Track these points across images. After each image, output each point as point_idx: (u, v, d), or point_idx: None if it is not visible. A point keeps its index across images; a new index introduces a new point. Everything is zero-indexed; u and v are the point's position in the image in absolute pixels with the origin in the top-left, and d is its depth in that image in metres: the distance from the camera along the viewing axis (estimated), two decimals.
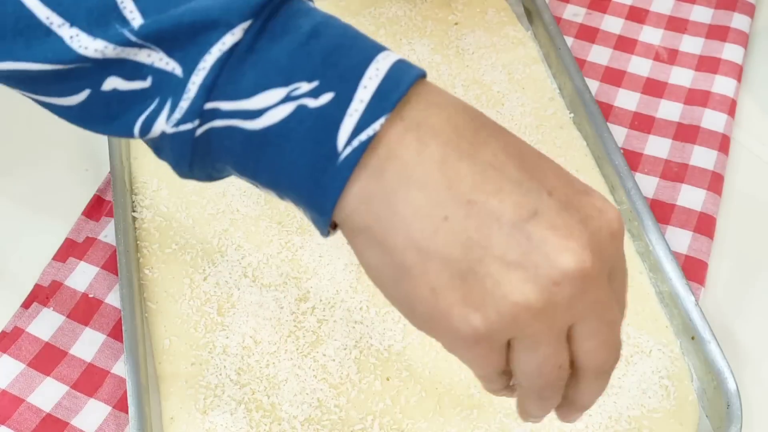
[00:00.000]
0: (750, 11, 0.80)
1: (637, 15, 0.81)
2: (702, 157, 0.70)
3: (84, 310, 0.62)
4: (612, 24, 0.80)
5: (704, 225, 0.67)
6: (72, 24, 0.35)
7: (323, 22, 0.35)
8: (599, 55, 0.78)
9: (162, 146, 0.38)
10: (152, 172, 0.67)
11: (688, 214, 0.67)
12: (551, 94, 0.73)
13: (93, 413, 0.58)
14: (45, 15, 0.35)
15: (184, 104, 0.35)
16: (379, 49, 0.35)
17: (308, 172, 0.34)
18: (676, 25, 0.80)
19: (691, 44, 0.78)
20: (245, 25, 0.34)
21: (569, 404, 0.39)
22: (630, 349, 0.59)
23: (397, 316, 0.60)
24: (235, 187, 0.67)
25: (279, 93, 0.34)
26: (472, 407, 0.57)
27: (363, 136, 0.34)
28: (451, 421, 0.56)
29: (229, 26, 0.34)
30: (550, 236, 0.33)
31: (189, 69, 0.35)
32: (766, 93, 0.77)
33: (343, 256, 0.63)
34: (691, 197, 0.68)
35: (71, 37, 0.35)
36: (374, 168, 0.34)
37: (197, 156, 0.37)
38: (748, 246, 0.67)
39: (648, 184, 0.69)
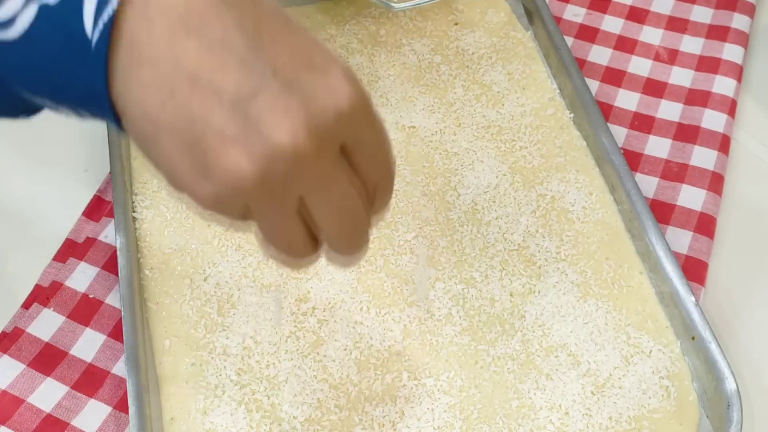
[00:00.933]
0: (750, 11, 0.80)
1: (637, 15, 0.81)
2: (702, 157, 0.70)
3: (84, 311, 0.62)
4: (612, 24, 0.80)
5: (704, 225, 0.67)
6: None
7: None
8: (599, 55, 0.78)
9: None
10: (152, 173, 0.67)
11: (688, 214, 0.67)
12: (551, 95, 0.73)
13: (93, 414, 0.58)
14: None
15: None
16: None
17: (71, 66, 0.36)
18: (676, 25, 0.80)
19: (692, 44, 0.78)
20: None
21: (330, 256, 0.42)
22: (630, 349, 0.59)
23: (398, 317, 0.60)
24: None
25: None
26: (472, 407, 0.57)
27: (105, 17, 0.35)
28: (452, 422, 0.56)
29: None
30: (266, 115, 0.34)
31: None
32: (766, 93, 0.77)
33: None
34: (691, 197, 0.68)
35: None
36: (121, 55, 0.35)
37: None
38: (748, 246, 0.67)
39: (648, 185, 0.69)
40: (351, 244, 0.41)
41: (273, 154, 0.34)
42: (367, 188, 0.40)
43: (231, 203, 0.36)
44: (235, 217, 0.38)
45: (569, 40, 0.78)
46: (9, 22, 0.36)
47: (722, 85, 0.75)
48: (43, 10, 0.35)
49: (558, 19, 0.80)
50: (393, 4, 0.68)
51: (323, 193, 0.37)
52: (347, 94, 0.36)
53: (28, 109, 0.41)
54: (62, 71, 0.36)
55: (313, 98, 0.35)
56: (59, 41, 0.36)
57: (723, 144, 0.71)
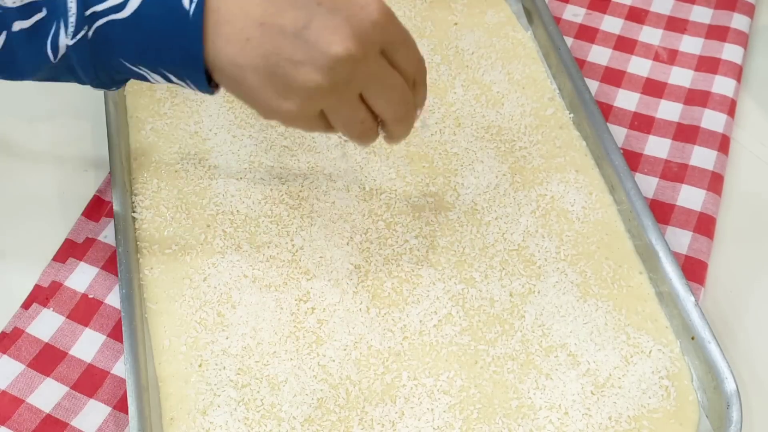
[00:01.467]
0: (750, 11, 0.80)
1: (637, 15, 0.81)
2: (702, 157, 0.70)
3: (84, 311, 0.62)
4: (612, 24, 0.80)
5: (704, 225, 0.67)
6: None
7: None
8: (599, 55, 0.78)
9: (71, 63, 0.49)
10: (152, 173, 0.67)
11: (687, 214, 0.67)
12: (551, 95, 0.73)
13: (93, 414, 0.58)
14: None
15: (71, 18, 0.47)
16: None
17: (174, 35, 0.46)
18: (675, 25, 0.80)
19: (691, 44, 0.78)
20: None
21: (390, 138, 0.54)
22: (630, 349, 0.59)
23: (398, 317, 0.60)
24: (235, 188, 0.67)
25: None
26: (471, 407, 0.57)
27: None
28: (451, 422, 0.56)
29: None
30: (320, 36, 0.45)
31: None
32: (766, 93, 0.77)
33: (343, 257, 0.63)
34: (690, 197, 0.68)
35: None
36: (209, 21, 0.46)
37: (95, 56, 0.48)
38: (748, 246, 0.67)
39: (648, 185, 0.69)
40: (405, 124, 0.53)
41: (334, 63, 0.46)
42: (407, 80, 0.50)
43: (310, 111, 0.48)
44: (315, 123, 0.50)
45: (569, 41, 0.78)
46: (121, 5, 0.46)
47: (722, 85, 0.75)
48: None
49: (558, 20, 0.80)
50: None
51: (377, 85, 0.49)
52: (376, 8, 0.47)
53: (121, 81, 0.51)
54: (165, 40, 0.47)
55: (351, 16, 0.46)
56: (163, 16, 0.46)
57: (722, 144, 0.71)
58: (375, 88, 0.49)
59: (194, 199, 0.66)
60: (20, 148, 0.72)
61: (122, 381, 0.58)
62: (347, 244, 0.64)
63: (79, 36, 0.47)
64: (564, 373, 0.58)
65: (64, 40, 0.47)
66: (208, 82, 0.49)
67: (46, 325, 0.61)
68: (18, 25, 0.47)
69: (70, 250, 0.65)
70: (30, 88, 0.75)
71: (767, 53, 0.80)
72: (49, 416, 0.57)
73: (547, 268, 0.63)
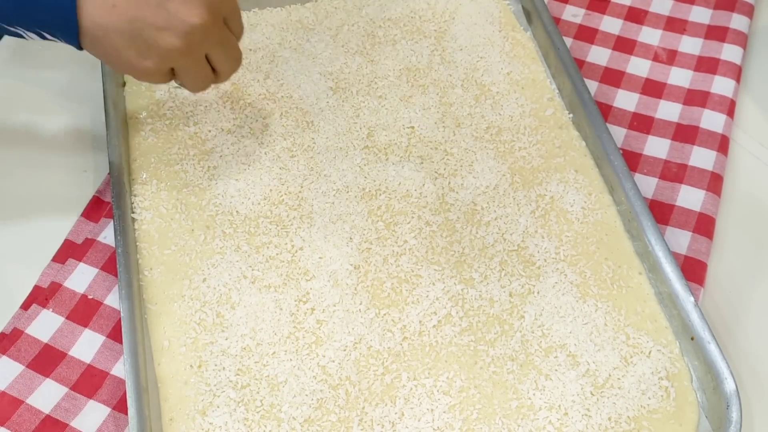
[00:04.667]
0: (749, 12, 0.80)
1: (636, 16, 0.81)
2: (701, 157, 0.70)
3: (83, 312, 0.62)
4: (611, 25, 0.80)
5: (703, 225, 0.67)
6: None
7: None
8: (598, 55, 0.78)
9: None
10: (151, 174, 0.67)
11: (687, 214, 0.67)
12: (550, 95, 0.73)
13: (92, 414, 0.58)
14: None
15: None
16: None
17: (50, 3, 0.52)
18: (675, 25, 0.80)
19: (690, 45, 0.78)
20: None
21: (218, 82, 0.62)
22: (629, 349, 0.59)
23: (397, 318, 0.60)
24: (234, 189, 0.67)
25: None
26: (471, 408, 0.57)
27: None
28: (451, 422, 0.56)
29: None
30: (180, 7, 0.54)
31: None
32: (765, 93, 0.77)
33: (342, 257, 0.63)
34: (690, 198, 0.68)
35: None
36: None
37: None
38: (748, 246, 0.67)
39: (647, 185, 0.69)
40: (234, 73, 0.62)
41: (191, 29, 0.55)
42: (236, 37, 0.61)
43: (164, 68, 0.57)
44: (163, 77, 0.58)
45: (568, 41, 0.78)
46: None
47: (721, 85, 0.75)
48: None
49: (557, 20, 0.80)
50: None
51: (221, 47, 0.59)
52: None
53: None
54: (42, 8, 0.53)
55: None
56: None
57: (722, 144, 0.71)
58: (219, 50, 0.59)
59: (193, 200, 0.66)
60: (20, 148, 0.72)
61: (122, 382, 0.58)
62: (347, 244, 0.64)
63: None
64: (563, 374, 0.58)
65: None
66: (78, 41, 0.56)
67: (45, 325, 0.61)
68: None
69: (70, 251, 0.65)
70: (30, 89, 0.76)
71: (766, 53, 0.80)
72: (48, 417, 0.57)
73: (547, 268, 0.63)
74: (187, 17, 0.55)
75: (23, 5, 0.53)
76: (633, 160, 0.70)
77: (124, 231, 0.63)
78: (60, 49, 0.77)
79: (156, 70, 0.57)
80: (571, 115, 0.72)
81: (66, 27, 0.54)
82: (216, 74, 0.61)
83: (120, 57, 0.56)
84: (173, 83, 0.63)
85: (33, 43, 0.78)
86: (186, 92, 0.72)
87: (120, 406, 0.58)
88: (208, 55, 0.59)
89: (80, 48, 0.56)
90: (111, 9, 0.54)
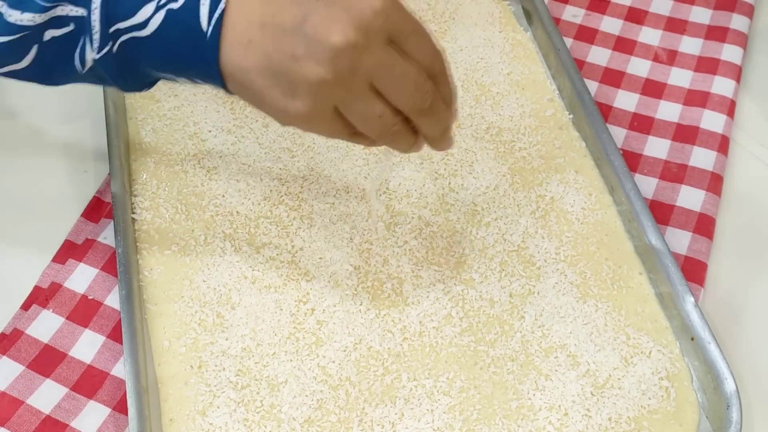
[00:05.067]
0: (749, 12, 0.80)
1: (636, 16, 0.81)
2: (701, 157, 0.70)
3: (83, 312, 0.62)
4: (611, 25, 0.80)
5: (704, 226, 0.67)
6: (3, 2, 0.48)
7: None
8: (598, 56, 0.78)
9: (101, 73, 0.50)
10: (151, 174, 0.67)
11: (687, 214, 0.67)
12: (550, 95, 0.73)
13: (92, 415, 0.58)
14: None
15: (96, 35, 0.48)
16: None
17: (191, 51, 0.47)
18: (675, 26, 0.80)
19: (690, 45, 0.78)
20: None
21: (426, 140, 0.52)
22: (630, 350, 0.59)
23: (397, 318, 0.60)
24: (234, 189, 0.67)
25: (151, 6, 0.47)
26: (471, 408, 0.57)
27: (216, 13, 0.46)
28: (451, 423, 0.56)
29: None
30: (318, 28, 0.45)
31: (88, 9, 0.48)
32: (765, 94, 0.77)
33: (342, 258, 0.63)
34: (690, 198, 0.68)
35: (8, 14, 0.48)
36: (222, 35, 0.47)
37: (122, 68, 0.50)
38: (748, 247, 0.67)
39: (647, 185, 0.69)
40: (433, 119, 0.50)
41: (334, 53, 0.45)
42: (424, 69, 0.48)
43: (321, 108, 0.47)
44: (333, 123, 0.48)
45: (568, 41, 0.78)
46: (143, 24, 0.47)
47: (721, 85, 0.75)
48: (170, 14, 0.47)
49: (557, 20, 0.80)
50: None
51: (387, 74, 0.47)
52: None
53: (151, 83, 0.52)
54: (185, 57, 0.48)
55: (350, 6, 0.45)
56: (182, 36, 0.47)
57: (722, 144, 0.71)
58: (385, 77, 0.47)
59: (194, 200, 0.66)
60: (19, 149, 0.72)
61: (122, 382, 0.58)
62: (347, 245, 0.64)
63: (104, 51, 0.49)
64: (564, 374, 0.58)
65: (91, 54, 0.49)
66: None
67: (45, 326, 0.61)
68: (49, 34, 0.49)
69: (70, 251, 0.65)
70: (29, 89, 0.76)
71: (766, 54, 0.80)
72: (48, 417, 0.57)
73: (547, 268, 0.63)
74: (327, 38, 0.44)
75: (170, 61, 0.49)
76: (633, 161, 0.70)
77: (124, 231, 0.63)
78: None
79: (313, 112, 0.47)
80: (571, 116, 0.72)
81: (210, 77, 0.49)
82: (399, 113, 0.49)
83: (269, 101, 0.47)
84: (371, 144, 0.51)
85: None
86: (187, 92, 0.72)
87: (120, 407, 0.58)
88: (375, 86, 0.47)
89: (227, 91, 0.50)
90: (247, 46, 0.46)
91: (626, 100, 0.75)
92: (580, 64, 0.77)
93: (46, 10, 0.48)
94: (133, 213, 0.65)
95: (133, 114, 0.71)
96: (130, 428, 0.54)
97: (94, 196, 0.68)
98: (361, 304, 0.61)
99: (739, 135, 0.74)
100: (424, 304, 0.61)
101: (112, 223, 0.65)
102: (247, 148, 0.69)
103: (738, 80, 0.76)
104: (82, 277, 0.63)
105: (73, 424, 0.57)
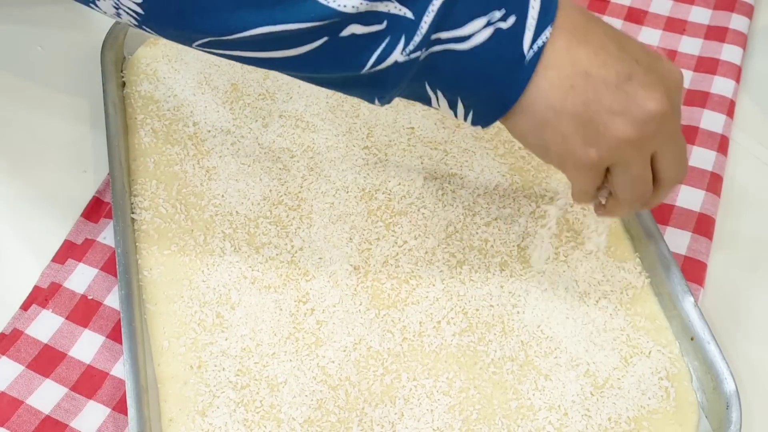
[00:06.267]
0: (748, 12, 0.80)
1: (636, 16, 0.81)
2: (701, 157, 0.70)
3: (83, 312, 0.62)
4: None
5: (703, 226, 0.67)
6: None
7: None
8: None
9: (385, 74, 0.48)
10: (151, 174, 0.67)
11: (687, 214, 0.67)
12: None
13: (92, 415, 0.58)
14: None
15: (417, 38, 0.46)
16: None
17: (504, 73, 0.47)
18: (674, 26, 0.80)
19: (690, 45, 0.78)
20: None
21: (643, 206, 0.55)
22: (629, 350, 0.59)
23: (397, 318, 0.60)
24: (234, 189, 0.67)
25: (482, 21, 0.46)
26: (471, 408, 0.57)
27: (539, 42, 0.47)
28: (451, 423, 0.56)
29: None
30: (641, 91, 0.47)
31: (420, 12, 0.46)
32: (765, 94, 0.77)
33: (342, 258, 0.63)
34: (690, 198, 0.68)
35: None
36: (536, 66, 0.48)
37: (413, 77, 0.48)
38: (748, 246, 0.67)
39: None
40: (667, 195, 0.54)
41: (649, 117, 0.47)
42: None
43: (607, 162, 0.50)
44: (598, 176, 0.51)
45: None
46: (465, 38, 0.47)
47: (721, 85, 0.75)
48: (498, 32, 0.46)
49: None
50: None
51: (672, 145, 0.51)
52: (679, 72, 0.50)
53: (392, 98, 0.51)
54: (489, 78, 0.48)
55: (664, 76, 0.49)
56: (499, 56, 0.47)
57: (722, 144, 0.71)
58: (670, 150, 0.51)
59: (193, 200, 0.66)
60: (19, 148, 0.72)
61: (121, 382, 0.58)
62: (346, 245, 0.64)
63: (414, 56, 0.47)
64: (563, 374, 0.58)
65: (396, 56, 0.47)
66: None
67: (45, 326, 0.61)
68: (350, 30, 0.46)
69: (70, 251, 0.65)
70: (29, 89, 0.76)
71: (766, 54, 0.80)
72: (48, 417, 0.57)
73: (547, 269, 0.63)
74: (646, 102, 0.47)
75: (472, 80, 0.48)
76: None
77: (123, 231, 0.63)
78: (60, 49, 0.77)
79: (597, 163, 0.49)
80: None
81: (499, 104, 0.49)
82: (655, 184, 0.52)
83: (563, 144, 0.49)
84: (602, 193, 0.54)
85: (32, 42, 0.78)
86: (186, 93, 0.72)
87: (120, 407, 0.58)
88: (654, 154, 0.50)
89: (487, 125, 0.51)
90: (569, 90, 0.47)
91: None
92: None
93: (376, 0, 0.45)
94: (133, 213, 0.65)
95: (132, 114, 0.71)
96: (130, 428, 0.54)
97: (94, 196, 0.68)
98: (360, 304, 0.61)
99: (739, 135, 0.74)
100: (423, 304, 0.61)
101: (111, 223, 0.65)
102: (247, 148, 0.69)
103: (738, 80, 0.76)
104: (81, 277, 0.63)
105: (73, 424, 0.57)
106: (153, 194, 0.66)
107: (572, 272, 0.63)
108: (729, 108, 0.74)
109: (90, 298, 0.63)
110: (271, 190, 0.67)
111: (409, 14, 0.46)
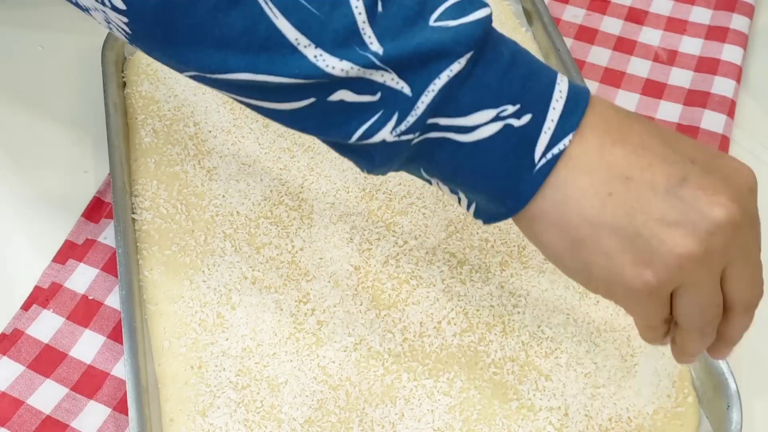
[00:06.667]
0: (749, 12, 0.80)
1: (637, 16, 0.81)
2: None
3: (84, 312, 0.62)
4: (611, 25, 0.80)
5: None
6: (317, 45, 0.40)
7: (516, 51, 0.43)
8: (599, 56, 0.78)
9: (371, 150, 0.43)
10: (151, 174, 0.67)
11: None
12: None
13: (93, 415, 0.58)
14: (294, 36, 0.40)
15: (410, 119, 0.41)
16: (554, 72, 0.43)
17: (507, 177, 0.41)
18: (675, 26, 0.80)
19: (691, 45, 0.78)
20: (468, 55, 0.41)
21: (721, 340, 0.45)
22: (629, 350, 0.59)
23: (398, 318, 0.60)
24: (234, 189, 0.67)
25: (490, 113, 0.41)
26: (471, 408, 0.57)
27: (555, 150, 0.41)
28: (451, 423, 0.56)
29: (458, 56, 0.40)
30: (701, 195, 0.39)
31: (419, 90, 0.40)
32: (766, 94, 0.77)
33: (342, 258, 0.63)
34: None
35: (315, 56, 0.40)
36: (559, 170, 0.41)
37: (404, 160, 0.43)
38: None
39: None
40: (747, 321, 0.45)
41: (715, 228, 0.39)
42: None
43: (668, 287, 0.40)
44: (661, 305, 0.42)
45: (569, 41, 0.78)
46: (470, 129, 0.41)
47: (721, 85, 0.75)
48: (507, 128, 0.41)
49: (557, 20, 0.80)
50: None
51: (746, 260, 0.41)
52: (751, 173, 0.42)
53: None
54: (494, 180, 0.42)
55: (729, 177, 0.41)
56: (508, 159, 0.41)
57: (722, 145, 0.71)
58: (743, 262, 0.41)
59: (194, 201, 0.66)
60: (20, 149, 0.72)
61: (122, 382, 0.58)
62: (347, 245, 0.64)
63: (404, 138, 0.41)
64: (564, 374, 0.58)
65: (385, 134, 0.42)
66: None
67: (45, 326, 0.61)
68: (339, 95, 0.41)
69: (70, 252, 0.65)
70: (30, 89, 0.76)
71: (766, 54, 0.80)
72: (49, 417, 0.57)
73: (547, 268, 0.63)
74: (710, 209, 0.39)
75: (464, 168, 0.42)
76: None
77: (124, 232, 0.63)
78: (61, 49, 0.77)
79: (657, 288, 0.40)
80: None
81: (503, 205, 0.42)
82: (727, 308, 0.43)
83: (608, 266, 0.40)
84: (664, 329, 0.44)
85: (33, 42, 0.78)
86: (187, 93, 0.72)
87: (120, 407, 0.58)
88: (725, 272, 0.41)
89: (495, 221, 0.44)
90: (606, 199, 0.40)
91: (626, 100, 0.75)
92: (581, 64, 0.77)
93: (370, 66, 0.40)
94: (134, 213, 0.65)
95: (133, 114, 0.71)
96: (130, 428, 0.54)
97: (95, 197, 0.68)
98: (361, 304, 0.61)
99: (739, 135, 0.74)
100: (424, 304, 0.61)
101: (112, 223, 0.65)
102: (247, 148, 0.69)
103: (738, 80, 0.76)
104: (82, 278, 0.63)
105: (74, 424, 0.57)
106: (154, 194, 0.66)
107: None
108: (729, 108, 0.74)
109: (91, 298, 0.63)
110: (271, 191, 0.67)
111: (406, 89, 0.40)
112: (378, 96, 0.41)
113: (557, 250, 0.42)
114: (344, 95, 0.41)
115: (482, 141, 0.41)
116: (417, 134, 0.41)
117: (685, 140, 0.42)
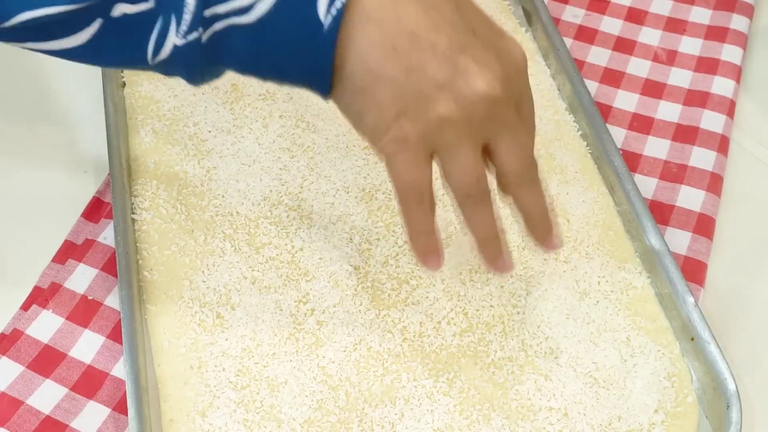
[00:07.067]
0: (749, 12, 0.80)
1: (636, 16, 0.81)
2: (701, 158, 0.70)
3: (83, 312, 0.62)
4: (611, 25, 0.80)
5: (703, 226, 0.67)
6: None
7: None
8: (598, 56, 0.78)
9: (173, 61, 0.43)
10: (151, 174, 0.67)
11: (687, 215, 0.67)
12: (550, 96, 0.73)
13: (92, 415, 0.58)
14: None
15: (187, 17, 0.41)
16: None
17: (302, 48, 0.41)
18: (674, 26, 0.80)
19: (690, 45, 0.78)
20: None
21: (525, 220, 0.49)
22: (629, 350, 0.59)
23: (397, 318, 0.60)
24: (234, 189, 0.67)
25: None
26: (471, 409, 0.57)
27: (338, 4, 0.41)
28: (451, 423, 0.56)
29: None
30: (472, 66, 0.41)
31: None
32: (765, 94, 0.77)
33: (342, 258, 0.63)
34: (690, 198, 0.68)
35: None
36: (349, 19, 0.41)
37: (206, 62, 0.43)
38: (748, 247, 0.67)
39: (647, 185, 0.69)
40: (532, 189, 0.47)
41: (477, 98, 0.41)
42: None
43: (427, 142, 0.43)
44: (421, 163, 0.44)
45: (568, 41, 0.78)
46: (248, 8, 0.41)
47: (721, 85, 0.75)
48: None
49: (557, 20, 0.80)
50: None
51: (508, 135, 0.44)
52: (522, 55, 0.44)
53: (220, 75, 0.46)
54: (289, 53, 0.42)
55: (500, 55, 0.43)
56: (293, 25, 0.41)
57: (722, 145, 0.71)
58: (504, 136, 0.44)
59: (193, 201, 0.66)
60: (19, 149, 0.72)
61: (122, 382, 0.58)
62: (347, 245, 0.64)
63: (191, 37, 0.42)
64: (563, 374, 0.58)
65: (173, 39, 0.42)
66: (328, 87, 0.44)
67: (45, 326, 0.61)
68: (120, 9, 0.41)
69: (70, 252, 0.65)
70: (29, 89, 0.76)
71: (766, 54, 0.80)
72: (48, 418, 0.57)
73: (547, 269, 0.63)
74: (476, 80, 0.41)
75: (271, 55, 0.42)
76: (633, 161, 0.70)
77: (124, 232, 0.63)
78: None
79: (416, 143, 0.43)
80: (571, 116, 0.72)
81: (314, 79, 0.43)
82: (503, 181, 0.47)
83: (378, 115, 0.43)
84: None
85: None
86: (187, 93, 0.72)
87: (120, 407, 0.58)
88: (489, 145, 0.44)
89: (327, 99, 0.45)
90: (390, 52, 0.41)
91: (626, 101, 0.75)
92: (580, 64, 0.77)
93: None
94: (133, 213, 0.65)
95: (132, 114, 0.71)
96: (130, 428, 0.54)
97: (94, 197, 0.68)
98: (360, 305, 0.61)
99: (739, 135, 0.74)
100: (423, 304, 0.61)
101: (112, 223, 0.65)
102: (247, 148, 0.69)
103: (738, 80, 0.76)
104: (82, 278, 0.63)
105: (73, 424, 0.57)
106: (153, 194, 0.66)
107: (572, 272, 0.63)
108: (729, 108, 0.74)
109: (90, 298, 0.63)
110: (271, 191, 0.67)
111: None
112: (152, 3, 0.41)
113: (341, 98, 0.44)
114: (124, 8, 0.41)
115: (264, 16, 0.41)
116: (201, 30, 0.41)
117: (476, 10, 0.44)
